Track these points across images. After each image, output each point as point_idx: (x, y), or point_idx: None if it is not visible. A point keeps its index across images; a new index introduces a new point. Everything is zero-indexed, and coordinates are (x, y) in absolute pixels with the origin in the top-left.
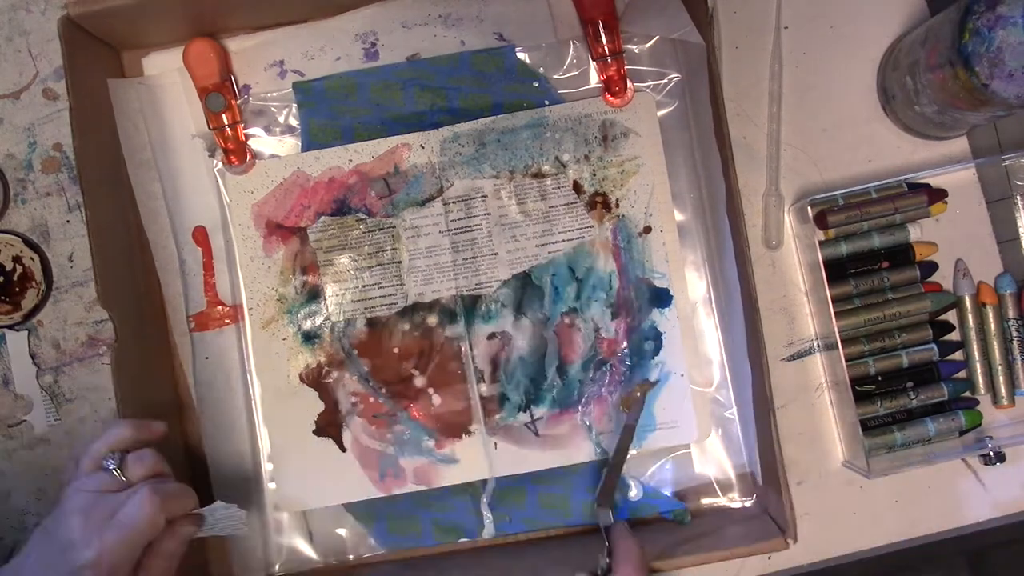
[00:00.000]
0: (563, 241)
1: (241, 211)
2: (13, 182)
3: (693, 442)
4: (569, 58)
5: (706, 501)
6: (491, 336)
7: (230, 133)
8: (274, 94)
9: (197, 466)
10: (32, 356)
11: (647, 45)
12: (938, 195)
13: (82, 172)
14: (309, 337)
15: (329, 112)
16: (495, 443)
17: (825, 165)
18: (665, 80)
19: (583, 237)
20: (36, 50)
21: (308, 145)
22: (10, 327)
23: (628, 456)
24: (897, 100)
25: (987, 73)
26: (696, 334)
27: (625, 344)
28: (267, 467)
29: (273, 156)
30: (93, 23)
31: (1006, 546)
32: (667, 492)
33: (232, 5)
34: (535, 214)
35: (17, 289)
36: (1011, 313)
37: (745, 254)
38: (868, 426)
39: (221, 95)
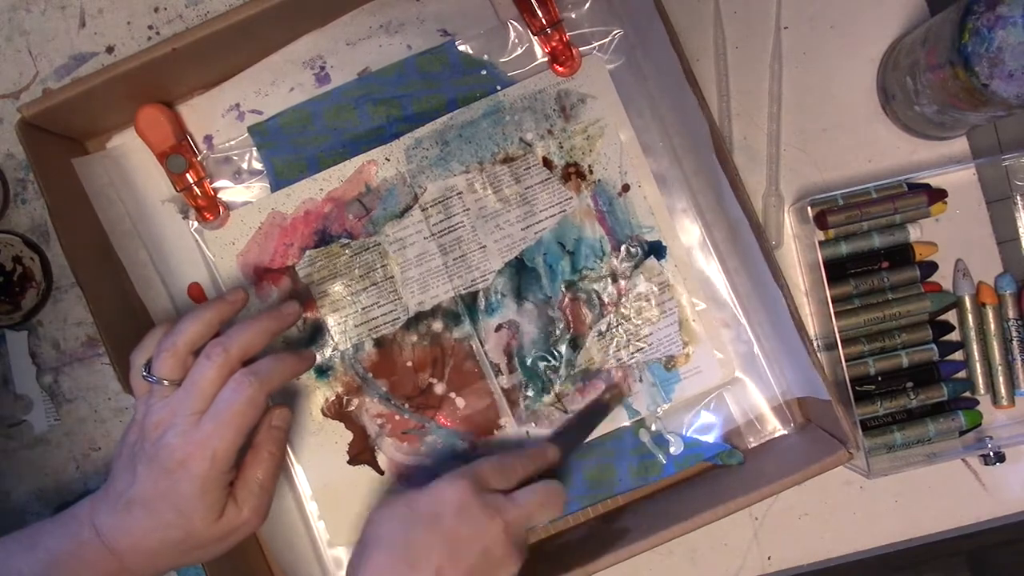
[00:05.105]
0: (546, 219)
1: (226, 264)
2: (13, 182)
3: (720, 383)
4: (511, 39)
5: (751, 439)
6: (499, 328)
7: (198, 191)
8: (234, 141)
9: None
10: (32, 356)
11: (584, 8)
12: (938, 195)
13: (76, 267)
14: (322, 371)
15: (290, 147)
16: (527, 431)
17: (825, 165)
18: (609, 38)
19: (565, 210)
20: (36, 50)
21: (276, 184)
22: (10, 327)
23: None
24: (897, 100)
25: (987, 73)
26: (700, 277)
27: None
28: (312, 508)
29: (246, 203)
30: (50, 120)
31: (1006, 546)
32: (709, 440)
33: (176, 72)
34: (513, 199)
35: (17, 289)
36: (1011, 313)
37: (740, 186)
38: (868, 426)
39: (181, 156)
